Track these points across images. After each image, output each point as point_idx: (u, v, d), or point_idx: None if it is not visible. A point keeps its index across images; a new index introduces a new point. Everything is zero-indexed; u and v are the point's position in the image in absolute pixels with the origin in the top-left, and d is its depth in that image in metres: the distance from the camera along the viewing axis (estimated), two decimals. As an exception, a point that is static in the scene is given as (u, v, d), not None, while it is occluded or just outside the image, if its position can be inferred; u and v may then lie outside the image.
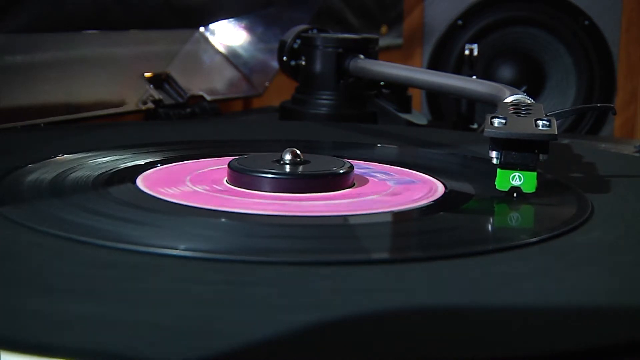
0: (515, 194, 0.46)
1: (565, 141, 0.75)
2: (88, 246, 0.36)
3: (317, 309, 0.30)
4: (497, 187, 0.46)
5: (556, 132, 0.45)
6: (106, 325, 0.28)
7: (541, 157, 0.46)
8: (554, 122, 0.46)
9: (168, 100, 0.90)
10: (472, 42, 0.91)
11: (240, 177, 0.48)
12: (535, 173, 0.46)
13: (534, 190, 0.46)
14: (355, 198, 0.47)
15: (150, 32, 0.95)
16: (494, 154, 0.46)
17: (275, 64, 0.99)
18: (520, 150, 0.46)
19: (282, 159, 0.49)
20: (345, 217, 0.43)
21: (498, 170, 0.46)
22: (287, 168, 0.48)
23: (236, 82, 1.03)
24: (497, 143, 0.46)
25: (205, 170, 0.52)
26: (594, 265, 0.37)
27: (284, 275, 0.34)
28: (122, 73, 0.89)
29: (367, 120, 0.83)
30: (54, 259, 0.35)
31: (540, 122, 0.46)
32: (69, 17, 0.83)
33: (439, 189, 0.49)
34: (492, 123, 0.46)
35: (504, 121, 0.46)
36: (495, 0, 1.18)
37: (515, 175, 0.46)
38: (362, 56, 0.83)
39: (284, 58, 0.87)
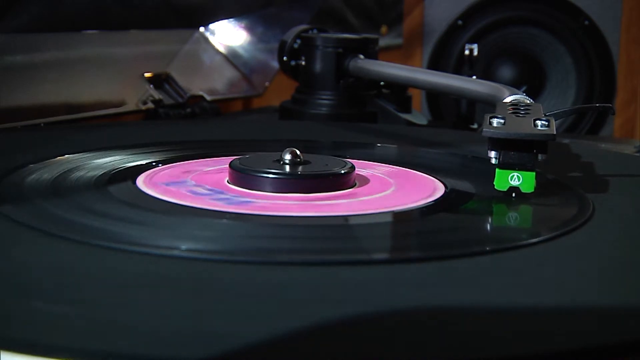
0: (513, 194, 0.46)
1: (565, 141, 0.75)
2: (88, 246, 0.36)
3: (317, 309, 0.30)
4: (495, 187, 0.46)
5: (555, 132, 0.45)
6: (106, 325, 0.28)
7: (540, 157, 0.46)
8: (553, 122, 0.46)
9: (168, 100, 0.90)
10: (472, 42, 0.91)
11: (241, 177, 0.48)
12: (533, 173, 0.46)
13: (532, 190, 0.46)
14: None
15: (150, 32, 0.95)
16: (492, 154, 0.46)
17: (275, 64, 0.99)
18: (518, 150, 0.46)
19: (282, 159, 0.49)
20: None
21: (496, 170, 0.46)
22: (287, 168, 0.48)
23: (236, 82, 1.03)
24: (496, 143, 0.46)
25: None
26: (593, 265, 0.37)
27: (284, 275, 0.34)
28: (122, 73, 0.89)
29: (367, 120, 0.83)
30: (54, 259, 0.35)
31: (538, 122, 0.46)
32: (69, 17, 0.83)
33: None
34: (490, 123, 0.46)
35: (502, 121, 0.46)
36: (495, 0, 1.18)
37: (513, 175, 0.46)
38: (362, 56, 0.83)
39: (284, 58, 0.88)
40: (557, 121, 0.48)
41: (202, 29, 1.03)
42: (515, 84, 0.86)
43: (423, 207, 0.45)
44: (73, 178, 0.49)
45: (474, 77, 0.80)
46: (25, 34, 0.79)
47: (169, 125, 0.79)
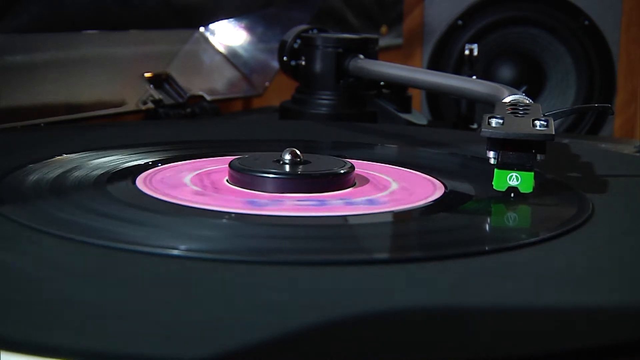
0: (512, 194, 0.46)
1: (565, 141, 0.75)
2: (88, 246, 0.36)
3: (317, 309, 0.30)
4: (494, 187, 0.46)
5: (553, 132, 0.45)
6: (106, 325, 0.28)
7: (538, 157, 0.46)
8: (552, 122, 0.46)
9: (168, 100, 0.90)
10: (472, 42, 0.91)
11: (241, 177, 0.48)
12: (532, 173, 0.46)
13: (531, 190, 0.46)
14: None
15: (150, 32, 0.95)
16: (491, 154, 0.46)
17: (275, 64, 1.00)
18: (517, 150, 0.46)
19: (282, 158, 0.49)
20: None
21: (495, 170, 0.46)
22: (287, 168, 0.48)
23: (236, 82, 1.03)
24: (495, 143, 0.46)
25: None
26: (593, 265, 0.37)
27: (284, 275, 0.34)
28: (122, 73, 0.89)
29: (367, 120, 0.83)
30: (54, 259, 0.35)
31: (537, 122, 0.46)
32: (69, 17, 0.84)
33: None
34: (489, 123, 0.46)
35: (501, 121, 0.46)
36: (495, 0, 1.18)
37: (512, 176, 0.46)
38: (362, 56, 0.83)
39: (284, 58, 0.88)
40: (556, 121, 0.48)
41: (202, 29, 1.03)
42: (515, 84, 0.86)
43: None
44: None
45: (474, 77, 0.80)
46: (25, 34, 0.79)
47: (169, 125, 0.79)
